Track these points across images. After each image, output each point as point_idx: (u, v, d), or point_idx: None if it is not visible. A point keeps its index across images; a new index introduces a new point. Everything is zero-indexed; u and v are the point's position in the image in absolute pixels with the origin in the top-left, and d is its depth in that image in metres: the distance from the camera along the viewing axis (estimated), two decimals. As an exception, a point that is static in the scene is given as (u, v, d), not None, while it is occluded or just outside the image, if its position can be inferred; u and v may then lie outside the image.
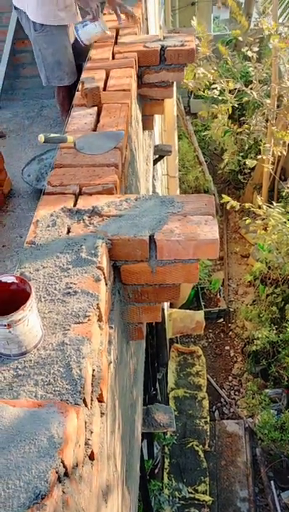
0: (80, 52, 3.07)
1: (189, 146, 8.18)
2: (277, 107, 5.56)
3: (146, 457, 4.42)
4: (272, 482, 5.13)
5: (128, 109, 2.07)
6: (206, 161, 8.26)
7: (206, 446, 5.37)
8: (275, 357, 5.77)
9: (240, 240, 7.70)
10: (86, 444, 1.13)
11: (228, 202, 4.64)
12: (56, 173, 1.76)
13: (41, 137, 1.76)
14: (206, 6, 10.71)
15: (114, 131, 1.90)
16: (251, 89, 5.29)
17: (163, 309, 4.95)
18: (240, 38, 5.61)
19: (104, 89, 2.21)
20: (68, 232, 1.52)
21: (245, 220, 5.33)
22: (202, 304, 6.72)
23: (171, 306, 6.05)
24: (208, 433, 5.48)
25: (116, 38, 2.65)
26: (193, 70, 5.15)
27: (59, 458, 0.91)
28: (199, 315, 6.09)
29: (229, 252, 7.61)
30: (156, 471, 4.83)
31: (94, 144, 1.84)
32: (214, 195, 8.04)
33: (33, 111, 3.79)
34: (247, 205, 4.86)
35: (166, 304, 5.15)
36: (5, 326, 1.09)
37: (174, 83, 2.64)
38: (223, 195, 4.65)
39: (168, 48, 2.48)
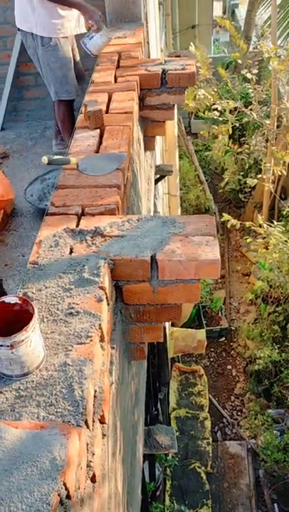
0: (77, 74, 3.18)
1: (190, 165, 8.26)
2: (277, 127, 5.63)
3: (147, 479, 4.36)
4: (275, 505, 5.03)
5: (130, 131, 2.11)
6: (206, 180, 8.32)
7: (209, 468, 5.29)
8: (277, 376, 5.73)
9: (242, 259, 7.71)
10: (88, 466, 1.12)
11: (228, 220, 4.67)
12: (59, 194, 1.78)
13: (45, 159, 1.79)
14: (206, 29, 10.93)
15: (116, 153, 1.93)
16: (251, 110, 5.37)
17: (164, 328, 4.94)
18: (240, 61, 5.72)
19: (107, 111, 2.25)
20: (71, 252, 1.53)
21: (246, 238, 5.36)
22: (204, 322, 6.70)
23: (173, 324, 6.04)
24: (211, 454, 5.40)
25: (118, 62, 2.71)
26: (193, 92, 5.23)
27: (61, 480, 0.91)
28: (201, 334, 6.07)
29: (230, 270, 7.62)
30: (157, 493, 4.75)
31: (96, 165, 1.87)
32: (215, 213, 8.09)
33: (36, 132, 3.85)
34: (248, 223, 4.89)
35: (167, 323, 5.14)
36: (8, 346, 1.09)
37: (175, 105, 2.68)
38: (224, 214, 4.68)
39: (169, 72, 2.53)
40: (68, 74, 3.06)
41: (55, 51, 2.96)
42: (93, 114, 2.09)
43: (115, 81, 2.53)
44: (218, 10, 13.60)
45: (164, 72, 2.55)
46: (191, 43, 5.41)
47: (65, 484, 0.92)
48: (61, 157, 1.90)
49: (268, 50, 5.04)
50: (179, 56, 2.93)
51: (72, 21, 2.96)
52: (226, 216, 4.63)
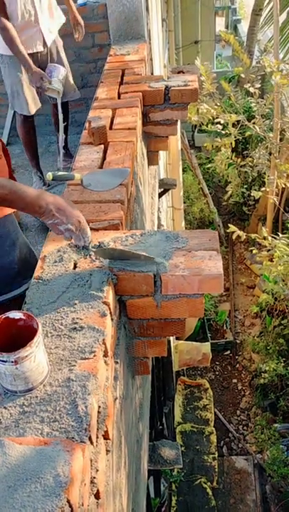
0: (66, 92, 3.22)
1: (194, 178, 8.30)
2: (280, 140, 5.67)
3: (152, 494, 4.31)
4: (283, 521, 4.96)
5: (133, 146, 2.13)
6: (210, 193, 8.36)
7: (215, 483, 5.23)
8: (283, 390, 5.68)
9: (246, 271, 7.70)
10: (92, 482, 1.12)
11: (233, 233, 4.68)
12: (63, 210, 1.79)
13: (50, 175, 1.81)
14: (208, 44, 11.08)
15: (120, 169, 1.96)
16: (254, 123, 5.41)
17: (169, 341, 4.92)
18: (243, 75, 5.77)
19: (111, 127, 2.28)
20: (75, 267, 1.54)
21: (251, 250, 5.35)
22: (208, 335, 6.67)
23: (177, 338, 6.02)
24: (217, 469, 5.34)
25: (122, 78, 2.75)
26: (196, 106, 5.28)
27: (65, 497, 0.91)
28: (206, 347, 6.04)
29: (235, 283, 7.61)
30: (163, 509, 4.69)
31: (100, 180, 1.88)
32: (219, 226, 8.11)
33: (41, 147, 3.90)
34: (253, 235, 4.89)
35: (171, 337, 5.12)
36: (12, 362, 1.10)
37: (178, 121, 2.71)
38: (230, 225, 4.69)
39: (172, 88, 2.57)
40: (20, 90, 3.11)
41: (5, 68, 3.09)
42: (97, 130, 2.11)
43: (119, 97, 2.57)
44: (220, 25, 13.79)
45: (167, 88, 2.58)
46: (197, 58, 5.48)
47: (68, 501, 0.92)
48: (65, 173, 1.92)
49: (271, 64, 5.09)
50: (182, 71, 2.97)
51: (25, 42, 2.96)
52: (231, 227, 4.64)
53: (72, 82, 3.37)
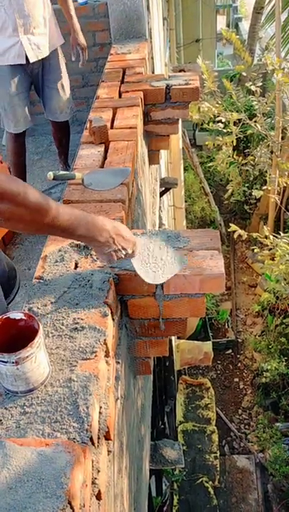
0: (53, 110, 3.05)
1: (195, 177, 8.29)
2: (282, 138, 5.65)
3: (154, 494, 4.31)
4: (285, 520, 4.96)
5: (134, 146, 2.12)
6: (211, 192, 8.35)
7: (216, 483, 5.22)
8: (285, 389, 5.67)
9: (248, 270, 7.69)
10: (93, 483, 1.11)
11: (234, 232, 4.67)
12: (64, 209, 1.79)
13: (50, 174, 1.80)
14: (210, 42, 11.07)
15: (120, 168, 1.95)
16: (255, 122, 5.40)
17: (170, 341, 4.91)
18: (244, 73, 5.76)
19: (112, 127, 2.27)
20: (76, 267, 1.54)
21: (253, 249, 5.34)
22: (210, 334, 6.66)
23: (179, 337, 6.01)
24: (218, 468, 5.34)
25: (123, 78, 2.74)
26: (197, 104, 5.27)
27: (66, 498, 0.90)
28: (207, 346, 6.04)
29: (237, 281, 7.60)
30: (164, 508, 4.69)
31: (101, 180, 1.88)
32: (220, 225, 8.10)
33: (42, 146, 3.90)
34: (254, 234, 4.88)
35: (173, 336, 5.12)
36: (13, 363, 1.09)
37: (179, 119, 2.70)
38: (231, 224, 4.69)
39: (173, 87, 2.56)
40: (6, 107, 2.87)
41: None
42: (98, 130, 2.11)
43: (120, 96, 2.56)
44: (221, 24, 13.76)
45: (168, 87, 2.57)
46: (199, 56, 5.47)
47: (70, 502, 0.92)
48: (66, 172, 1.91)
49: (272, 62, 5.08)
50: (183, 70, 2.96)
51: (10, 51, 2.75)
52: (233, 227, 4.64)
53: (69, 96, 3.12)
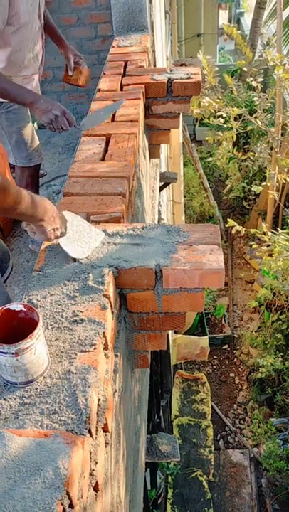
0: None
1: (194, 172, 8.28)
2: (282, 135, 5.65)
3: (149, 486, 4.33)
4: (278, 515, 5.00)
5: (136, 139, 2.12)
6: (211, 188, 8.35)
7: (211, 476, 5.26)
8: (280, 385, 5.70)
9: (245, 266, 7.71)
10: (91, 474, 1.12)
11: (233, 227, 4.68)
12: (65, 202, 1.79)
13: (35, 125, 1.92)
14: (211, 37, 11.02)
15: (114, 103, 1.97)
16: (256, 117, 5.39)
17: (167, 335, 4.93)
18: (245, 69, 5.74)
19: (113, 119, 2.27)
20: (75, 259, 1.54)
21: (251, 245, 5.35)
22: (207, 329, 6.69)
23: (176, 331, 6.03)
24: (213, 463, 5.37)
25: (124, 70, 2.73)
26: (198, 99, 5.26)
27: (64, 489, 0.91)
28: (204, 341, 6.06)
29: (234, 277, 7.61)
30: (159, 501, 4.72)
31: (95, 119, 1.93)
32: (219, 220, 8.11)
33: (42, 138, 3.87)
34: (253, 230, 4.89)
35: (171, 330, 5.13)
36: (12, 354, 1.10)
37: (180, 114, 2.70)
38: (229, 220, 4.69)
39: (175, 81, 2.55)
40: (31, 139, 2.51)
41: (10, 113, 2.39)
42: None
43: (121, 89, 2.55)
44: (223, 18, 13.71)
45: (169, 80, 2.56)
46: (200, 51, 5.45)
47: (68, 493, 0.92)
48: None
49: (274, 58, 5.06)
50: (185, 65, 2.95)
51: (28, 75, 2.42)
52: (230, 222, 4.64)
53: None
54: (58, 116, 2.03)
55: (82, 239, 1.55)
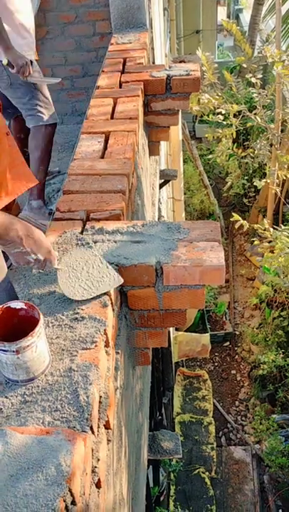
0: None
1: (194, 169, 8.27)
2: (281, 131, 5.64)
3: (151, 484, 4.34)
4: (280, 511, 5.01)
5: (135, 136, 2.11)
6: (210, 185, 8.34)
7: (213, 473, 5.27)
8: (282, 382, 5.71)
9: (246, 263, 7.71)
10: (93, 471, 1.12)
11: (233, 224, 4.67)
12: (65, 200, 1.79)
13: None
14: (210, 34, 10.99)
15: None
16: (255, 114, 5.38)
17: (169, 332, 4.93)
18: (244, 65, 5.73)
19: (112, 117, 2.26)
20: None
21: (251, 242, 5.35)
22: (208, 326, 6.69)
23: (177, 329, 6.03)
24: (215, 459, 5.38)
25: (123, 67, 2.72)
26: (197, 96, 5.25)
27: (67, 486, 0.91)
28: (205, 338, 6.06)
29: (235, 274, 7.61)
30: (161, 498, 4.73)
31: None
32: (219, 217, 8.10)
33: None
34: (255, 226, 4.88)
35: (172, 327, 5.13)
36: (14, 352, 1.10)
37: (180, 111, 2.69)
38: (233, 214, 4.67)
39: (174, 77, 2.54)
40: (48, 99, 2.73)
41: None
42: None
43: (120, 86, 2.54)
44: (222, 15, 13.67)
45: (168, 77, 2.56)
46: (199, 47, 5.43)
47: (70, 490, 0.92)
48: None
49: (273, 54, 5.05)
50: (184, 61, 2.94)
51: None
52: (235, 216, 4.63)
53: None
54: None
55: (90, 280, 1.40)
